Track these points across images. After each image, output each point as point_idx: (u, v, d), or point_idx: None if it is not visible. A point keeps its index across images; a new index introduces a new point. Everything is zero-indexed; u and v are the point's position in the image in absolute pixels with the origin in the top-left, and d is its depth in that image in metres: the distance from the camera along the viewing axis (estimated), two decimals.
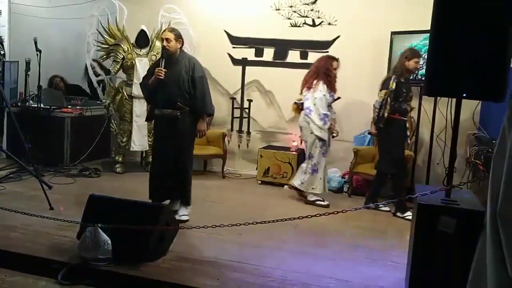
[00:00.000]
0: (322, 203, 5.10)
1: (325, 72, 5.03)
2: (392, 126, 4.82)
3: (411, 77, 5.08)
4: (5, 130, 6.07)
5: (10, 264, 3.27)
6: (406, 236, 3.64)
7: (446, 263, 2.63)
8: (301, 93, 5.19)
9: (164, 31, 4.34)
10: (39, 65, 5.72)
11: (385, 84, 4.86)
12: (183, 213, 4.32)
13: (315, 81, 5.04)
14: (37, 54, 5.66)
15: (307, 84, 5.11)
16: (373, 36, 5.74)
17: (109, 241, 3.23)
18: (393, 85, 4.74)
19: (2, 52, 5.54)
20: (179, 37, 4.24)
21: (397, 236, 4.28)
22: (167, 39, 4.18)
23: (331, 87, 5.05)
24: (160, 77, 4.11)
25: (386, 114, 4.78)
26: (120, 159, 6.31)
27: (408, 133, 5.14)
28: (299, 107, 5.26)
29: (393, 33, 5.47)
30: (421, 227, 2.73)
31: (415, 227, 2.78)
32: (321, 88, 5.00)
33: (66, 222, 3.52)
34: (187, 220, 4.24)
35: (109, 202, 3.60)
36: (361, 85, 5.89)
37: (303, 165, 5.24)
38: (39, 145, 5.91)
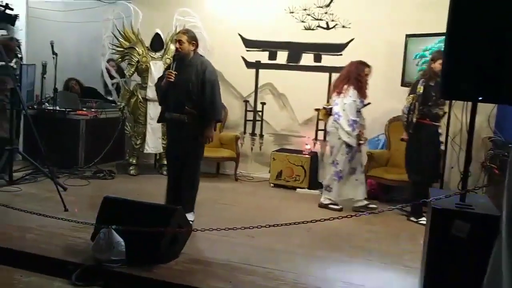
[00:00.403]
0: (336, 207, 5.06)
1: (356, 78, 4.94)
2: (421, 131, 4.69)
3: None
4: (21, 132, 6.14)
5: (25, 265, 3.31)
6: (419, 240, 3.60)
7: (460, 268, 2.60)
8: (330, 98, 5.12)
9: (178, 32, 4.29)
10: (55, 68, 5.79)
11: (413, 88, 4.76)
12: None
13: (345, 86, 4.96)
14: (53, 57, 5.73)
15: (337, 89, 5.03)
16: (387, 39, 5.71)
17: (123, 243, 3.25)
18: (420, 89, 4.64)
19: (19, 55, 5.62)
20: (192, 39, 4.17)
21: (411, 240, 4.24)
22: (179, 41, 4.12)
23: (362, 93, 4.95)
24: (170, 79, 4.05)
25: (414, 119, 4.68)
26: (134, 161, 6.36)
27: (442, 139, 4.86)
28: (327, 112, 5.19)
29: (407, 36, 5.44)
30: (435, 232, 2.70)
31: (429, 232, 2.76)
32: (351, 94, 4.92)
33: (80, 224, 3.57)
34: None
35: (122, 204, 3.63)
36: (375, 89, 5.81)
37: (329, 173, 5.16)
38: (54, 147, 5.98)
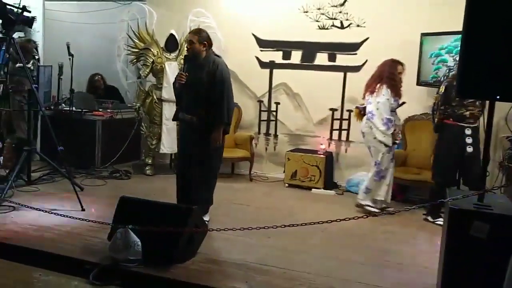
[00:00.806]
0: (373, 209, 4.85)
1: (389, 76, 4.82)
2: (444, 131, 4.62)
3: None
4: (39, 133, 6.22)
5: (44, 264, 3.36)
6: (437, 241, 3.58)
7: (479, 269, 2.57)
8: (364, 97, 5.03)
9: (190, 32, 4.21)
10: (71, 69, 5.85)
11: (439, 88, 4.71)
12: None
13: (378, 85, 4.87)
14: (70, 58, 5.80)
15: (370, 88, 4.94)
16: (402, 38, 5.65)
17: (139, 243, 3.28)
18: (442, 89, 4.59)
19: (36, 57, 5.70)
20: (204, 39, 4.09)
21: (428, 241, 4.21)
22: (190, 42, 4.08)
23: (396, 91, 4.81)
24: (181, 81, 4.02)
25: (436, 119, 4.63)
26: (150, 161, 6.40)
27: (469, 140, 4.53)
28: (361, 112, 5.09)
29: (423, 35, 5.39)
30: (453, 232, 2.67)
31: (446, 232, 2.73)
32: (384, 92, 4.82)
33: (97, 224, 3.60)
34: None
35: (139, 204, 3.66)
36: None
37: (369, 174, 5.01)
38: (71, 148, 6.04)
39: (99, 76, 7.14)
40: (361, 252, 3.85)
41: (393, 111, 4.88)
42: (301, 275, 3.30)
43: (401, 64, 4.92)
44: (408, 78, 5.51)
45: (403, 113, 5.62)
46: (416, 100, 5.59)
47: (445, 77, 4.69)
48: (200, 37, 4.11)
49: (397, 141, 5.00)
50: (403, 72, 4.93)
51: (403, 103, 4.95)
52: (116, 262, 3.27)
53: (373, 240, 4.17)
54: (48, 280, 3.21)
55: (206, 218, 4.20)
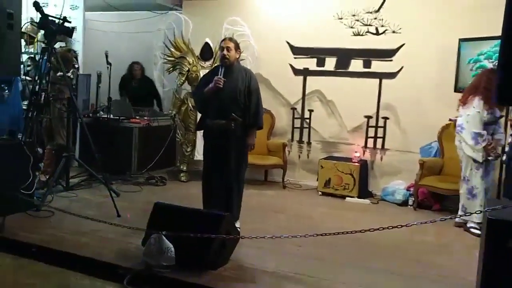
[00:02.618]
0: (476, 231, 4.53)
1: (485, 87, 4.45)
2: None
3: None
4: (78, 139, 6.39)
5: (80, 268, 3.43)
6: (474, 252, 3.46)
7: None
8: (457, 109, 4.81)
9: (224, 39, 4.24)
10: (109, 77, 6.00)
11: None
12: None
13: (470, 97, 4.60)
14: (108, 67, 5.95)
15: (462, 99, 4.70)
16: (439, 44, 5.55)
17: (173, 248, 3.30)
18: None
19: (76, 66, 5.87)
20: (238, 47, 4.23)
21: (465, 252, 4.08)
22: (227, 48, 4.13)
23: (490, 103, 4.43)
24: (219, 85, 4.02)
25: None
26: (185, 168, 6.48)
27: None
28: (455, 124, 4.90)
29: (461, 40, 5.27)
30: (492, 244, 2.58)
31: (485, 244, 2.63)
32: (475, 104, 4.52)
33: (131, 229, 3.65)
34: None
35: (173, 210, 3.70)
36: (427, 95, 5.72)
37: (460, 191, 4.76)
38: (109, 154, 6.18)
39: (139, 66, 7.27)
40: (394, 263, 3.76)
41: (488, 124, 4.56)
42: (333, 285, 3.26)
43: None
44: (446, 85, 5.43)
45: (439, 120, 5.53)
46: (454, 107, 5.43)
47: None
48: (235, 44, 4.22)
49: (490, 157, 4.55)
50: None
51: (501, 116, 4.66)
52: (150, 267, 3.31)
53: (407, 251, 4.08)
54: (83, 284, 3.28)
55: (237, 224, 4.20)
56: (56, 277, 3.36)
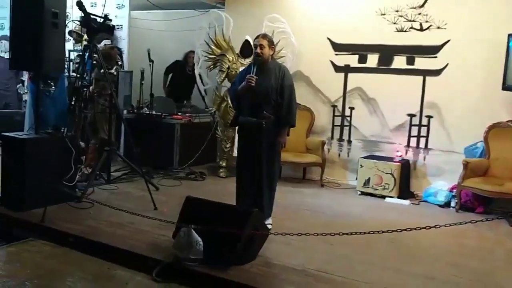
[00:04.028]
0: None
1: None
2: None
3: None
4: (122, 135, 6.59)
5: (113, 258, 3.55)
6: None
7: None
8: None
9: (258, 37, 4.19)
10: (151, 74, 6.14)
11: None
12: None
13: None
14: (150, 64, 6.08)
15: None
16: (487, 39, 5.31)
17: (201, 242, 3.35)
18: None
19: (119, 63, 6.06)
20: (271, 44, 4.18)
21: (506, 257, 3.88)
22: (260, 46, 4.09)
23: None
24: (251, 83, 4.01)
25: None
26: (224, 164, 6.54)
27: None
28: None
29: (510, 35, 5.01)
30: None
31: None
32: None
33: (165, 222, 3.73)
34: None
35: (203, 204, 3.74)
36: (473, 93, 5.49)
37: None
38: (151, 149, 6.35)
39: (193, 54, 7.34)
40: (428, 265, 3.64)
41: None
42: (361, 286, 3.19)
43: None
44: (493, 83, 5.20)
45: (486, 120, 5.30)
46: (501, 106, 5.22)
47: None
48: (269, 41, 4.17)
49: None
50: None
51: None
52: (178, 260, 3.36)
53: (444, 254, 3.93)
54: (114, 273, 3.38)
55: (269, 221, 4.20)
56: (89, 266, 3.49)
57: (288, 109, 4.11)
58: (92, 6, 6.80)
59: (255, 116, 4.13)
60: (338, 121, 6.44)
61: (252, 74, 4.04)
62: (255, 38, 4.21)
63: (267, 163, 4.17)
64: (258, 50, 4.10)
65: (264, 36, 4.22)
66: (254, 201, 4.14)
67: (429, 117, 5.86)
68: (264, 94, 4.09)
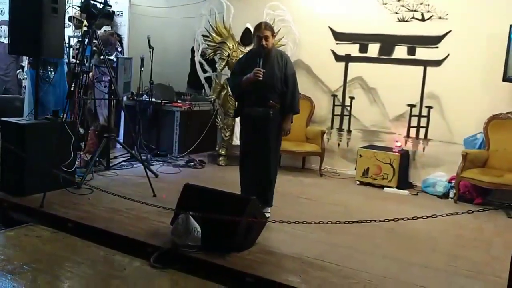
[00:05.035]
0: None
1: None
2: None
3: None
4: (122, 122, 6.58)
5: (111, 244, 3.56)
6: None
7: None
8: None
9: (260, 28, 4.09)
10: (151, 61, 6.11)
11: None
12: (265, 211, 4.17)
13: None
14: (150, 51, 6.05)
15: None
16: (488, 30, 5.29)
17: (199, 229, 3.36)
18: None
19: (119, 49, 6.03)
20: (274, 32, 4.19)
21: (504, 248, 3.89)
22: (265, 37, 4.02)
23: None
24: (259, 77, 3.94)
25: None
26: (224, 152, 6.54)
27: None
28: None
29: None
30: None
31: None
32: None
33: (163, 209, 3.73)
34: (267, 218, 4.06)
35: (201, 192, 3.76)
36: (473, 84, 5.48)
37: None
38: (151, 137, 6.34)
39: None
40: (426, 255, 3.65)
41: None
42: (358, 274, 3.20)
43: None
44: (494, 74, 5.19)
45: (486, 111, 5.30)
46: (501, 97, 5.21)
47: None
48: (272, 31, 4.15)
49: None
50: None
51: None
52: (176, 246, 3.38)
53: (442, 244, 3.95)
54: (113, 259, 3.39)
55: (267, 209, 4.21)
56: (88, 251, 3.50)
57: (292, 97, 4.14)
58: None
59: (261, 106, 4.11)
60: (338, 110, 6.43)
61: (259, 66, 3.96)
62: (257, 29, 4.12)
63: (270, 153, 4.18)
64: (264, 43, 4.03)
65: (267, 25, 4.16)
66: (263, 189, 4.15)
67: (429, 107, 5.85)
68: (270, 84, 4.08)
